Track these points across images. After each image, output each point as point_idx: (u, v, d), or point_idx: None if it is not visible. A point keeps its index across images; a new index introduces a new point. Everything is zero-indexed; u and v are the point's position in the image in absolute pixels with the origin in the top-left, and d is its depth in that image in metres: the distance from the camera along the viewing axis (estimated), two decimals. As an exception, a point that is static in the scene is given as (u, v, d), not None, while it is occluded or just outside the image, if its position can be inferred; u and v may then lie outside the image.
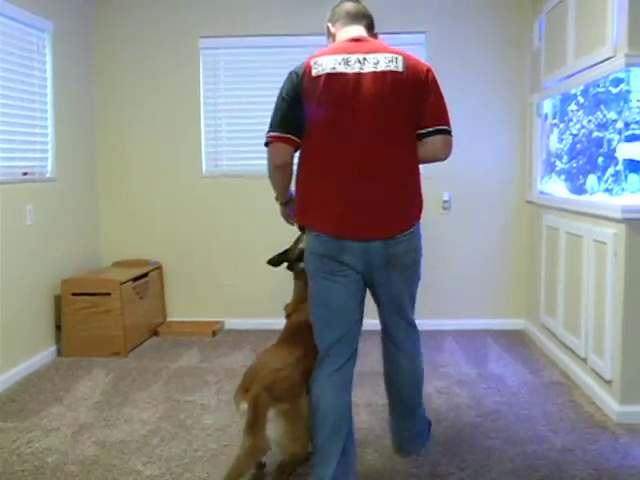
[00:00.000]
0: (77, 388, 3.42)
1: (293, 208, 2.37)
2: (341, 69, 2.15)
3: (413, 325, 2.43)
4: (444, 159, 2.28)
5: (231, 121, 4.59)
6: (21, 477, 2.44)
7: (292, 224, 2.50)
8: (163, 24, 4.51)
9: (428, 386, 3.25)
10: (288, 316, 2.66)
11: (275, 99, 2.24)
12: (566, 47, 3.53)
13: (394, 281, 2.26)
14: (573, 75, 3.45)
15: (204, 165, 4.61)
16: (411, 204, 2.26)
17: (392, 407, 2.55)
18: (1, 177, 3.48)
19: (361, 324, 2.31)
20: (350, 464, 2.25)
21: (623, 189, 2.94)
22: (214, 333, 4.43)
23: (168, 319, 4.68)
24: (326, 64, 2.16)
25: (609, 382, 2.98)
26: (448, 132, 2.23)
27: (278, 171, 2.27)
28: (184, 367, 3.76)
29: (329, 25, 2.41)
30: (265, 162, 2.26)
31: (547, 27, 3.94)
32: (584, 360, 3.28)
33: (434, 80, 2.22)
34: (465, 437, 2.76)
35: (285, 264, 2.72)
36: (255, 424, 2.06)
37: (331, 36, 2.40)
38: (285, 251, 2.71)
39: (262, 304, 4.43)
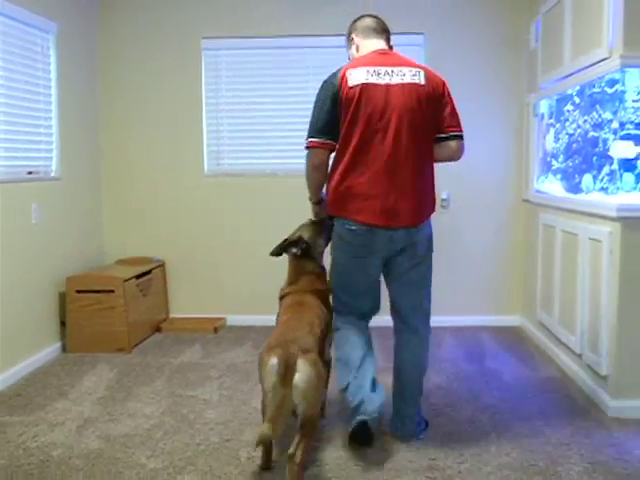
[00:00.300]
0: (82, 383, 3.43)
1: (324, 207, 2.67)
2: (373, 80, 2.46)
3: (427, 313, 2.72)
4: (457, 159, 2.64)
5: (233, 121, 4.60)
6: (27, 470, 2.46)
7: (315, 203, 2.76)
8: (166, 25, 4.51)
9: (427, 382, 3.25)
10: (282, 298, 2.76)
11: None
12: (562, 48, 3.54)
13: (413, 265, 2.58)
14: (569, 76, 3.46)
15: (206, 164, 4.62)
16: (429, 199, 2.59)
17: (396, 394, 2.73)
18: (7, 176, 3.49)
19: (379, 294, 2.70)
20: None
21: (618, 188, 2.94)
22: (216, 329, 4.44)
23: (171, 316, 4.69)
24: (360, 75, 2.46)
25: (604, 377, 2.99)
26: (461, 137, 2.59)
27: (316, 171, 2.59)
28: (187, 363, 3.77)
29: (353, 36, 2.70)
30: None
31: (544, 28, 3.94)
32: (579, 356, 3.29)
33: (449, 92, 2.57)
34: (462, 431, 2.77)
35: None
36: (286, 374, 2.14)
37: (354, 46, 2.69)
38: (284, 240, 2.79)
39: (263, 301, 4.40)
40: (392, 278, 2.65)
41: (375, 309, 2.74)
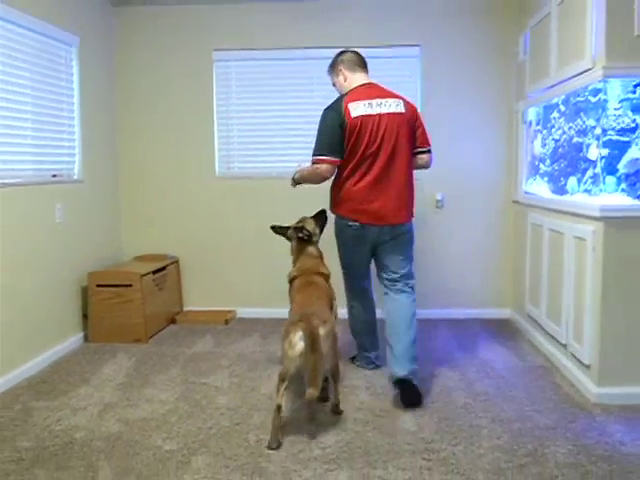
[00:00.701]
0: (102, 371, 3.45)
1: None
2: (369, 111, 2.92)
3: (408, 274, 3.08)
4: (428, 168, 3.18)
5: (242, 127, 4.60)
6: (52, 451, 2.48)
7: (293, 186, 3.28)
8: (179, 38, 4.51)
9: (423, 370, 3.26)
10: (292, 281, 3.06)
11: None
12: (549, 59, 3.53)
13: (394, 248, 3.03)
14: (555, 85, 3.45)
15: (217, 167, 4.62)
16: (410, 202, 3.05)
17: (390, 350, 3.01)
18: (33, 178, 3.51)
19: (370, 270, 3.23)
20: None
21: (601, 190, 2.95)
22: (226, 321, 4.45)
23: (185, 309, 4.70)
24: (359, 108, 2.91)
25: (588, 366, 2.99)
26: (431, 150, 3.11)
27: (320, 180, 3.03)
28: (199, 352, 3.78)
29: (341, 68, 3.10)
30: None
31: (532, 41, 3.94)
32: (565, 346, 3.30)
33: (420, 115, 3.09)
34: (456, 416, 2.78)
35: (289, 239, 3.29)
36: (312, 343, 2.42)
37: (342, 76, 3.10)
38: (287, 226, 3.25)
39: (270, 295, 4.45)
40: (381, 255, 3.06)
41: (369, 271, 3.23)
